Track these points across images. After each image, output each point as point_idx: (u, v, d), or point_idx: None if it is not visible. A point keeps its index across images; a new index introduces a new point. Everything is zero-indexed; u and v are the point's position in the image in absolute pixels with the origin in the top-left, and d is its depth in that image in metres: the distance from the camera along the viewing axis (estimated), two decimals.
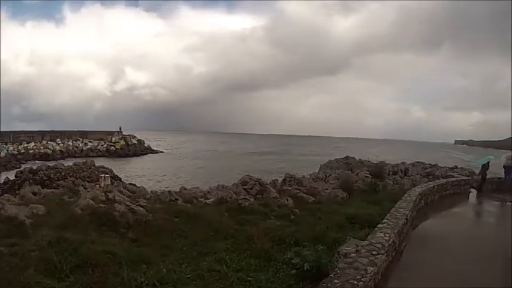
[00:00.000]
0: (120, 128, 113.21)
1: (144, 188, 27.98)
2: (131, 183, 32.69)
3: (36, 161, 72.67)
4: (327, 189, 27.78)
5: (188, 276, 9.45)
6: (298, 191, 24.64)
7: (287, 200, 20.97)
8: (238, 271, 9.88)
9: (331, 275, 7.55)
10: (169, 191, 23.30)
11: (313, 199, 23.16)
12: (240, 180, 26.71)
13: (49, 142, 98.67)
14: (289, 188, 26.79)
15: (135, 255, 10.62)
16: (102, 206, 14.95)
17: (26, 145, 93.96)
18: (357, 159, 51.66)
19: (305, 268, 8.67)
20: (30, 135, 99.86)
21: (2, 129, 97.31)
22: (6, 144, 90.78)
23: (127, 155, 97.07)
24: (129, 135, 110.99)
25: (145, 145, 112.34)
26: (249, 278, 9.27)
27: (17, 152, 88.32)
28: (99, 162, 53.53)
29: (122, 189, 20.50)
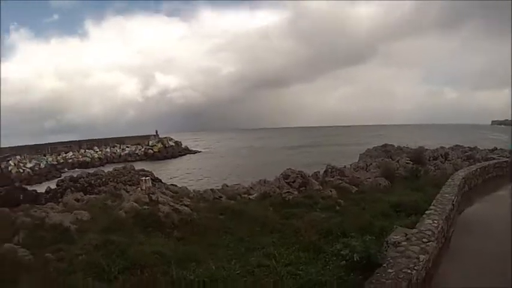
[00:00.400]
0: (156, 132, 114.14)
1: (187, 188, 28.16)
2: (172, 184, 32.92)
3: (76, 169, 74.05)
4: (369, 178, 27.66)
5: (238, 272, 9.43)
6: (340, 182, 24.60)
7: (330, 191, 20.84)
8: (288, 265, 9.83)
9: (385, 265, 7.53)
10: (212, 189, 23.40)
11: (356, 189, 23.15)
12: (281, 174, 26.71)
13: (87, 150, 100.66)
14: (331, 179, 26.75)
15: (183, 254, 10.71)
16: (146, 207, 15.15)
17: (64, 155, 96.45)
18: (396, 146, 50.99)
19: (355, 259, 8.55)
20: (68, 146, 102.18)
21: (39, 142, 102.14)
22: (44, 155, 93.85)
23: (165, 157, 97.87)
24: (165, 137, 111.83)
25: (183, 146, 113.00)
26: (298, 272, 9.21)
27: (56, 162, 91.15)
28: (138, 166, 53.94)
29: (164, 190, 20.65)
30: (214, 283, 8.41)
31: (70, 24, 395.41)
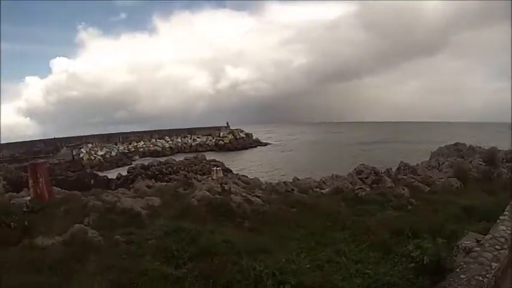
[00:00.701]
0: (227, 123, 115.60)
1: (259, 179, 28.41)
2: (243, 175, 33.22)
3: (147, 158, 76.30)
4: (441, 178, 27.18)
5: (307, 266, 9.37)
6: (413, 180, 24.24)
7: (403, 189, 20.41)
8: (357, 263, 9.81)
9: (457, 270, 7.47)
10: (284, 182, 23.51)
11: (429, 188, 22.70)
12: (355, 169, 26.48)
13: (158, 140, 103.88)
14: (404, 176, 26.47)
15: (253, 245, 10.71)
16: (219, 197, 15.34)
17: (135, 144, 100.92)
18: (468, 146, 49.45)
19: (424, 262, 8.33)
20: (139, 135, 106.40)
21: (111, 132, 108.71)
22: (116, 144, 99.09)
23: (236, 149, 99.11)
24: (236, 129, 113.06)
25: (254, 138, 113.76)
26: (367, 271, 9.16)
27: (127, 151, 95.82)
28: (209, 156, 55.07)
29: (236, 180, 20.84)
30: (283, 276, 8.37)
31: (138, 21, 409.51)
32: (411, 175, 27.08)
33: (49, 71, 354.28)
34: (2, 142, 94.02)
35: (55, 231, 12.52)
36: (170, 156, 64.27)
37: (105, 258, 9.71)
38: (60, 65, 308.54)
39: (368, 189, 20.68)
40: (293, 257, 10.01)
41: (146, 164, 49.66)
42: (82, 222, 13.12)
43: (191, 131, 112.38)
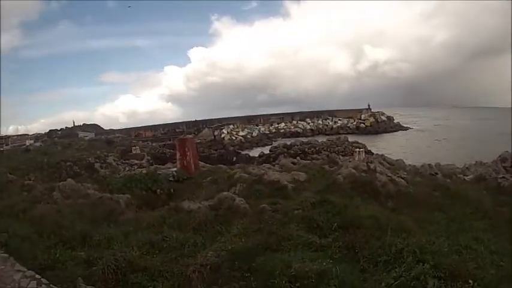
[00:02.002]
0: (369, 106, 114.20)
1: (403, 161, 28.30)
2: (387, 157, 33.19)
3: (288, 139, 77.89)
4: None
5: (445, 249, 9.38)
6: None
7: None
8: (493, 253, 9.63)
9: None
10: (429, 165, 23.20)
11: None
12: (499, 156, 25.43)
13: (299, 122, 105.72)
14: None
15: (396, 223, 10.87)
16: (364, 175, 15.69)
17: (276, 125, 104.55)
18: None
19: None
20: (280, 117, 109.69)
21: (252, 114, 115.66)
22: (257, 125, 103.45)
23: (377, 132, 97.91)
24: (377, 112, 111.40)
25: (395, 122, 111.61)
26: (501, 263, 8.99)
27: (268, 132, 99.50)
28: (350, 138, 55.03)
29: (381, 161, 20.98)
30: (423, 255, 8.53)
31: (270, 7, 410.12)
32: None
33: (188, 60, 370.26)
34: (145, 125, 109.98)
35: (201, 198, 13.67)
36: (311, 138, 65.42)
37: (251, 223, 10.63)
38: (198, 54, 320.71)
39: (511, 179, 20.05)
40: (433, 239, 10.12)
41: (288, 143, 51.11)
42: (228, 191, 14.08)
43: (332, 113, 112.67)
